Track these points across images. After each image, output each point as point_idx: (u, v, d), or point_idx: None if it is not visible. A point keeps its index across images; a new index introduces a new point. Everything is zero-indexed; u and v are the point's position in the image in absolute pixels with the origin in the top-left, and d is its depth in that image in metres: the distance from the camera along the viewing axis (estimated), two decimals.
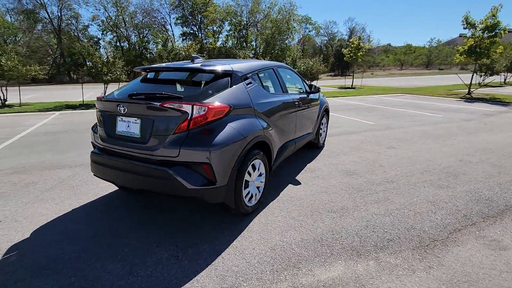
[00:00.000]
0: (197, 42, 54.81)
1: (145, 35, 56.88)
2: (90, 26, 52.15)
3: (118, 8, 51.79)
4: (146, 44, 53.95)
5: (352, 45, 22.76)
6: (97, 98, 2.72)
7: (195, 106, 2.25)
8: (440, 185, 3.48)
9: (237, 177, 2.48)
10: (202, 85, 2.60)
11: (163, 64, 3.16)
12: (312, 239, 2.42)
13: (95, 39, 49.39)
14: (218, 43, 59.53)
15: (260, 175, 2.92)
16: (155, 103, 2.26)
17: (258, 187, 2.93)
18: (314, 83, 15.87)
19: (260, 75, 3.21)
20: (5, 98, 11.39)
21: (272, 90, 3.49)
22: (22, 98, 12.18)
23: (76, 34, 48.90)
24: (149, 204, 3.05)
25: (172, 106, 2.23)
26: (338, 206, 2.99)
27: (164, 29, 57.45)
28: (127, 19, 53.70)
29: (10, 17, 46.36)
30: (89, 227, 2.62)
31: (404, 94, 15.05)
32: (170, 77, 2.83)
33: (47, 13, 47.98)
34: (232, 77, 2.71)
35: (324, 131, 5.25)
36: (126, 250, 2.27)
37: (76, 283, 1.92)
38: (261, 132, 2.77)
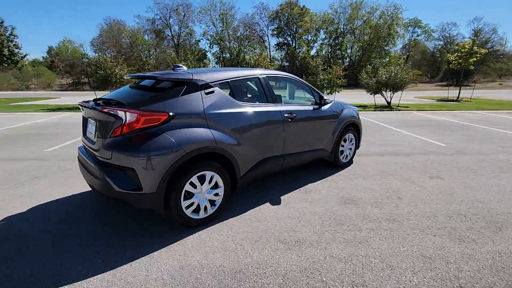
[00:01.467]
0: (288, 51, 55.83)
1: (244, 46, 61.57)
2: (200, 40, 60.05)
3: (224, 23, 58.05)
4: (244, 54, 58.57)
5: (462, 50, 18.98)
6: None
7: (127, 112, 2.34)
8: (462, 237, 2.51)
9: (170, 187, 2.44)
10: (156, 92, 2.67)
11: (147, 73, 3.38)
12: (230, 269, 2.14)
13: (203, 51, 56.65)
14: (313, 52, 59.34)
15: (216, 187, 2.78)
16: (98, 108, 2.47)
17: (213, 200, 2.79)
18: (397, 94, 13.93)
19: (234, 84, 3.05)
20: None
21: (252, 100, 3.28)
22: None
23: (189, 47, 57.19)
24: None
25: (108, 112, 2.38)
26: (296, 237, 2.54)
27: (261, 40, 61.18)
28: (230, 33, 59.48)
29: (147, 36, 57.99)
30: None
31: None
32: (145, 84, 3.02)
33: (171, 31, 57.94)
34: (188, 85, 2.68)
35: (349, 148, 4.55)
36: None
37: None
38: (212, 143, 2.62)
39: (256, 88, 3.31)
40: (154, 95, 2.60)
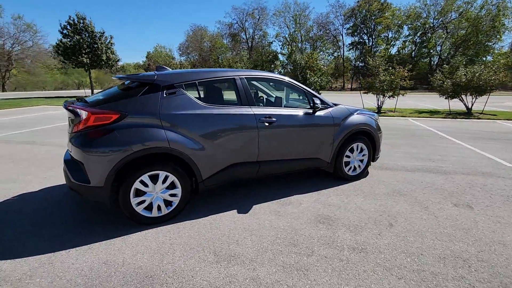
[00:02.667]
0: (363, 51, 51.97)
1: (317, 46, 60.10)
2: (273, 42, 61.13)
3: (297, 24, 57.79)
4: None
5: None
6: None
7: (82, 111, 2.53)
8: (435, 283, 1.91)
9: (117, 183, 2.54)
10: (122, 92, 2.81)
11: (127, 75, 3.48)
12: (144, 272, 2.10)
13: (274, 53, 57.54)
14: (393, 50, 53.89)
15: (172, 188, 2.78)
16: (65, 105, 2.74)
17: (169, 201, 2.80)
18: (484, 97, 11.43)
19: (202, 86, 2.99)
20: None
21: (223, 102, 3.18)
22: None
23: (261, 49, 58.85)
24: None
25: (72, 109, 2.62)
26: (233, 252, 2.34)
27: (335, 40, 58.71)
28: (303, 34, 58.88)
29: (225, 39, 62.00)
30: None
31: None
32: (125, 85, 3.19)
33: (245, 34, 60.63)
34: (149, 86, 2.75)
35: (359, 160, 3.96)
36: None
37: None
38: (165, 144, 2.62)
39: (233, 90, 3.17)
40: (118, 95, 2.75)
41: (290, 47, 52.53)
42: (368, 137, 3.98)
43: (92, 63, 21.50)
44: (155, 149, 2.61)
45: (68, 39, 20.42)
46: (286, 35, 57.30)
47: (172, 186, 2.79)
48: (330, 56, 58.81)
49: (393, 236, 2.55)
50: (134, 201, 2.63)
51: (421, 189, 3.66)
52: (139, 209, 2.67)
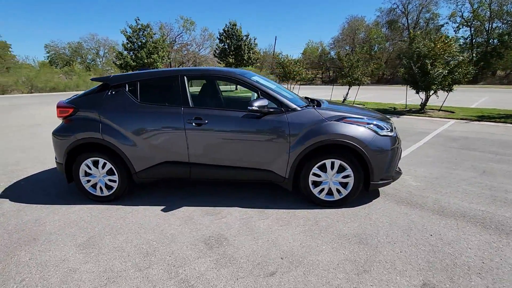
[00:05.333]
0: None
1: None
2: (444, 25, 49.50)
3: None
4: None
5: None
6: None
7: (56, 105, 3.34)
8: None
9: (70, 163, 3.22)
10: (89, 91, 3.45)
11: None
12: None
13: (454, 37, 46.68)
14: None
15: (112, 174, 3.21)
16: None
17: (110, 185, 3.25)
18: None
19: (142, 84, 3.16)
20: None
21: (159, 101, 3.21)
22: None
23: (424, 35, 49.12)
24: None
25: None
26: (82, 240, 2.51)
27: None
28: (495, 8, 44.64)
29: (384, 28, 55.91)
30: None
31: None
32: None
33: (407, 19, 52.40)
34: (103, 86, 3.25)
35: (339, 182, 2.95)
36: None
37: None
38: (98, 136, 3.07)
39: (170, 89, 3.16)
40: (85, 93, 3.42)
41: (470, 28, 40.88)
42: (355, 154, 2.89)
43: (237, 62, 25.38)
44: (91, 139, 3.11)
45: (222, 44, 25.02)
46: (465, 13, 44.71)
47: (111, 172, 3.22)
48: None
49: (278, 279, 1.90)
50: (83, 179, 3.25)
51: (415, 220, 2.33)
52: (87, 187, 3.28)
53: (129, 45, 23.80)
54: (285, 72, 15.12)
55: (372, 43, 55.22)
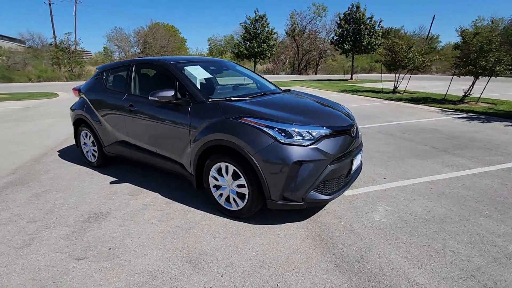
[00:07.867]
0: None
1: None
2: None
3: None
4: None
5: None
6: None
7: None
8: None
9: (75, 129, 4.18)
10: None
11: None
12: None
13: None
14: None
15: (94, 146, 3.97)
16: None
17: (93, 154, 4.03)
18: None
19: (112, 73, 3.65)
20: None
21: (119, 87, 3.59)
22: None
23: None
24: None
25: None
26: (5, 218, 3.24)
27: None
28: None
29: None
30: None
31: None
32: None
33: None
34: (97, 72, 3.96)
35: (236, 192, 2.52)
36: None
37: None
38: (81, 112, 3.85)
39: (126, 76, 3.46)
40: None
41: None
42: (247, 162, 2.38)
43: (355, 49, 22.89)
44: (80, 115, 3.93)
45: (340, 29, 23.14)
46: None
47: (93, 144, 3.96)
48: None
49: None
50: (84, 148, 4.17)
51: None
52: (85, 151, 4.18)
53: (247, 35, 25.96)
54: (393, 59, 12.66)
55: None
